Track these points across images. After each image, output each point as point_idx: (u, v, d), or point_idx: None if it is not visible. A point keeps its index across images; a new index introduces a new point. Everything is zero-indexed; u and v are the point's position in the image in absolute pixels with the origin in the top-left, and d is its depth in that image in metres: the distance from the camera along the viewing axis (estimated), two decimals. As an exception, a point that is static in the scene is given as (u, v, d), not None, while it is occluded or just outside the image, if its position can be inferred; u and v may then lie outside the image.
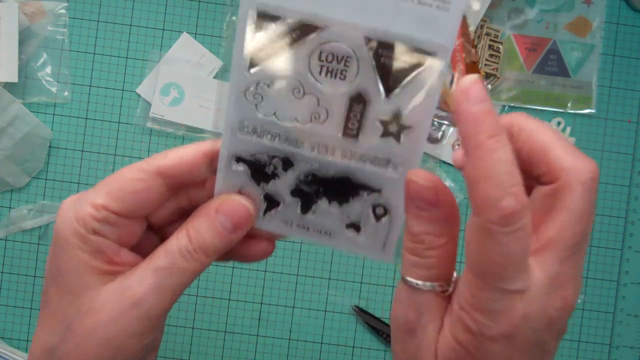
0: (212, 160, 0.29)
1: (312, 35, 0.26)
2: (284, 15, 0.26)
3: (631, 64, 0.68)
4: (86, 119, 0.67)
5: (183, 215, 0.31)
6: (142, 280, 0.28)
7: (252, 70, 0.27)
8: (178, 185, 0.30)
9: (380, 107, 0.27)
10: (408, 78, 0.26)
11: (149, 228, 0.31)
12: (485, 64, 0.67)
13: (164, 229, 0.32)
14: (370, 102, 0.27)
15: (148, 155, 0.66)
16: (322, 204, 0.30)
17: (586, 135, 0.68)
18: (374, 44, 0.26)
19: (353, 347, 0.67)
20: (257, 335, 0.67)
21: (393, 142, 0.27)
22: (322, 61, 0.27)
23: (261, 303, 0.67)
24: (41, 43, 0.67)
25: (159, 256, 0.28)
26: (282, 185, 0.29)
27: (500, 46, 0.67)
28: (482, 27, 0.67)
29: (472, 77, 0.24)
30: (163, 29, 0.67)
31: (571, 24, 0.68)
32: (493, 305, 0.23)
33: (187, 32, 0.67)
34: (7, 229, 0.66)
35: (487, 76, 0.67)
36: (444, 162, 0.67)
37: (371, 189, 0.29)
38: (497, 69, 0.67)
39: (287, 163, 0.29)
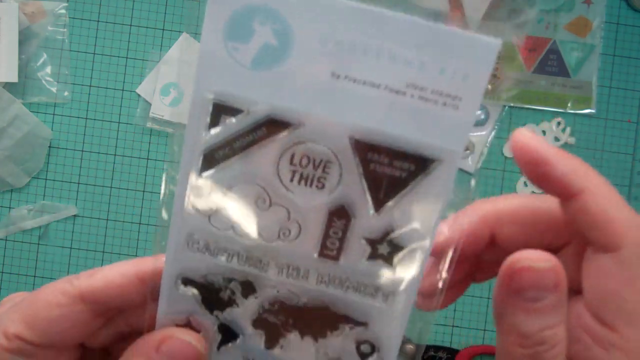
0: (147, 284, 0.24)
1: (283, 134, 0.21)
2: (247, 109, 0.21)
3: (631, 64, 0.68)
4: (86, 119, 0.67)
5: (127, 336, 0.26)
6: None
7: (205, 174, 0.22)
8: (108, 312, 0.25)
9: (367, 223, 0.22)
10: (405, 189, 0.22)
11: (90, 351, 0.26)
12: (485, 64, 0.67)
13: (109, 350, 0.27)
14: (355, 217, 0.22)
15: (148, 155, 0.66)
16: (293, 338, 0.24)
17: (586, 135, 0.68)
18: (361, 147, 0.21)
19: (353, 347, 0.67)
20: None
21: (383, 266, 0.22)
22: (295, 165, 0.22)
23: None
24: (41, 43, 0.67)
25: None
26: (242, 314, 0.24)
27: (500, 46, 0.67)
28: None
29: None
30: (163, 29, 0.67)
31: (571, 24, 0.68)
32: None
33: (187, 32, 0.67)
34: (7, 229, 0.66)
35: (487, 76, 0.67)
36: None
37: (355, 322, 0.23)
38: (497, 69, 0.67)
39: (248, 288, 0.24)
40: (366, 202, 0.22)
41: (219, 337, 0.25)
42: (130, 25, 0.67)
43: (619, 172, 0.68)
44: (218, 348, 0.25)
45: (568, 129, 0.67)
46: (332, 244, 0.23)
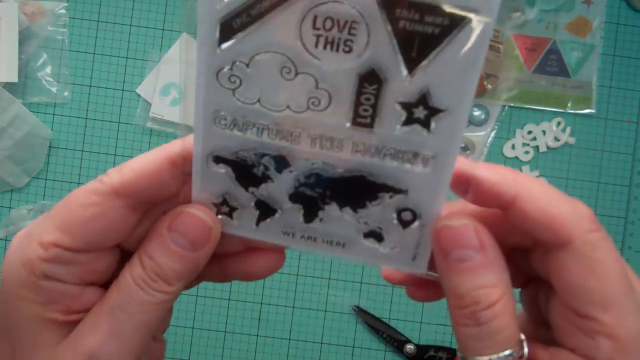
0: (181, 167, 0.24)
1: None
2: None
3: (631, 64, 0.68)
4: (86, 119, 0.67)
5: None
6: (95, 327, 0.23)
7: (224, 46, 0.21)
8: (144, 204, 0.24)
9: (401, 86, 0.21)
10: (439, 47, 0.20)
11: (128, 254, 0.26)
12: (485, 64, 0.67)
13: None
14: (387, 81, 0.21)
15: (148, 155, 0.66)
16: (331, 210, 0.24)
17: (586, 135, 0.68)
18: (389, 2, 0.19)
19: (353, 347, 0.67)
20: (257, 335, 0.67)
21: (421, 130, 0.21)
22: (318, 29, 0.20)
23: (261, 303, 0.67)
24: (41, 43, 0.67)
25: (112, 293, 0.23)
26: (278, 189, 0.24)
27: (500, 46, 0.67)
28: (482, 27, 0.67)
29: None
30: (163, 29, 0.67)
31: (571, 24, 0.68)
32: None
33: (187, 32, 0.67)
34: (7, 229, 0.66)
35: (487, 76, 0.67)
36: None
37: (395, 190, 0.23)
38: (497, 69, 0.67)
39: (282, 162, 0.23)
40: (398, 64, 0.20)
41: (256, 213, 0.24)
42: (130, 25, 0.67)
43: (619, 172, 0.68)
44: (257, 224, 0.24)
45: (568, 129, 0.67)
46: (364, 111, 0.21)
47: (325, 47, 0.21)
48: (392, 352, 0.67)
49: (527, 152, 0.67)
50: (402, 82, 0.21)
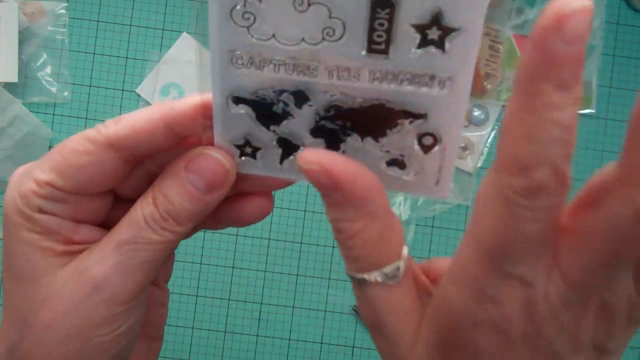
0: (173, 127, 0.24)
1: None
2: None
3: (631, 64, 0.68)
4: (86, 119, 0.67)
5: None
6: (103, 258, 0.24)
7: None
8: (136, 157, 0.25)
9: (413, 8, 0.21)
10: None
11: (122, 199, 0.27)
12: (485, 64, 0.67)
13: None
14: (399, 3, 0.21)
15: (148, 155, 0.66)
16: (353, 141, 0.24)
17: (586, 135, 0.68)
18: None
19: (353, 347, 0.67)
20: (257, 335, 0.67)
21: (436, 52, 0.21)
22: None
23: (261, 303, 0.67)
24: (41, 43, 0.67)
25: (122, 228, 0.24)
26: (299, 124, 0.24)
27: (500, 46, 0.67)
28: (482, 27, 0.67)
29: (581, 3, 0.19)
30: (163, 29, 0.67)
31: (571, 24, 0.68)
32: (489, 288, 0.20)
33: (187, 32, 0.67)
34: (7, 229, 0.67)
35: (487, 76, 0.67)
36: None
37: (414, 115, 0.23)
38: (497, 69, 0.67)
39: (301, 97, 0.23)
40: None
41: (279, 152, 0.25)
42: (130, 25, 0.67)
43: (619, 172, 0.68)
44: (280, 162, 0.25)
45: (568, 129, 0.67)
46: (378, 37, 0.21)
47: None
48: (392, 352, 0.67)
49: (527, 152, 0.67)
50: (413, 3, 0.21)
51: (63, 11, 0.67)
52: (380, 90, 0.22)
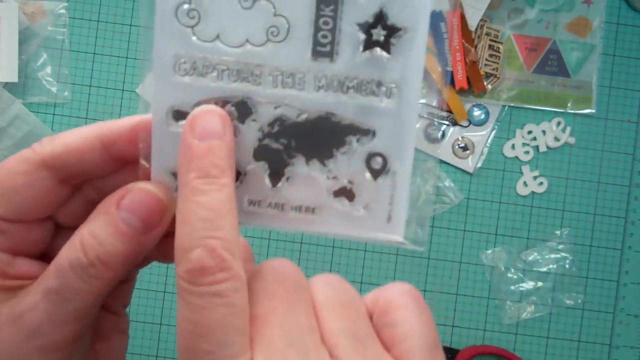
0: (110, 148, 0.23)
1: None
2: None
3: (631, 64, 0.68)
4: (86, 119, 0.67)
5: None
6: (35, 305, 0.21)
7: None
8: (72, 178, 0.23)
9: (357, 4, 0.20)
10: None
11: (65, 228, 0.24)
12: (485, 64, 0.67)
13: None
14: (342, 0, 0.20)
15: (148, 155, 0.66)
16: (298, 164, 0.22)
17: (586, 135, 0.68)
18: None
19: (353, 347, 0.67)
20: (257, 335, 0.67)
21: (381, 54, 0.21)
22: None
23: (261, 303, 0.67)
24: (41, 43, 0.67)
25: (50, 273, 0.22)
26: (242, 145, 0.22)
27: (500, 46, 0.67)
28: (482, 27, 0.67)
29: (207, 108, 0.21)
30: (163, 29, 0.67)
31: (571, 24, 0.68)
32: None
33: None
34: (7, 229, 0.67)
35: (487, 76, 0.67)
36: (444, 162, 0.67)
37: (361, 131, 0.21)
38: (497, 69, 0.67)
39: (244, 109, 0.21)
40: None
41: None
42: (130, 25, 0.67)
43: (619, 172, 0.68)
44: None
45: (568, 129, 0.67)
46: (324, 38, 0.21)
47: None
48: (392, 352, 0.67)
49: (527, 152, 0.67)
50: (358, 0, 0.20)
51: (63, 11, 0.67)
52: (327, 101, 0.21)
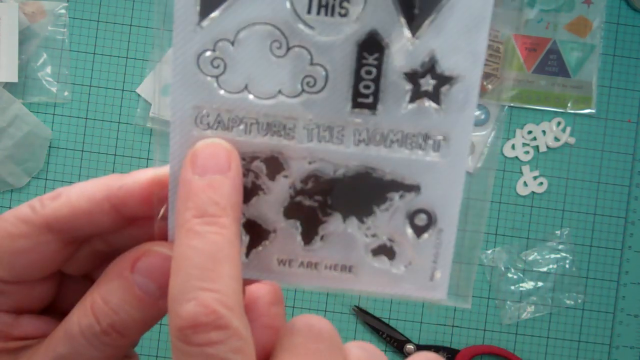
0: (120, 209, 0.21)
1: None
2: None
3: (631, 64, 0.68)
4: (86, 119, 0.67)
5: (110, 258, 0.22)
6: None
7: (205, 22, 0.18)
8: (80, 239, 0.21)
9: (404, 53, 0.18)
10: (442, 1, 0.18)
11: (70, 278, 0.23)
12: (485, 64, 0.67)
13: (91, 276, 0.24)
14: (389, 47, 0.18)
15: (148, 156, 0.66)
16: (334, 222, 0.20)
17: (586, 135, 0.68)
18: None
19: (353, 347, 0.67)
20: (257, 335, 0.67)
21: (429, 106, 0.19)
22: None
23: (261, 303, 0.67)
24: (41, 43, 0.67)
25: (58, 340, 0.20)
26: (271, 202, 0.20)
27: (500, 46, 0.67)
28: (482, 27, 0.67)
29: (211, 141, 0.19)
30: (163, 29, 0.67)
31: (571, 24, 0.68)
32: None
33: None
34: (7, 229, 0.66)
35: (487, 76, 0.67)
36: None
37: (405, 187, 0.19)
38: (497, 69, 0.67)
39: (275, 165, 0.19)
40: (399, 24, 0.18)
41: (246, 239, 0.20)
42: (130, 25, 0.67)
43: (618, 172, 0.68)
44: (247, 254, 0.20)
45: (568, 129, 0.67)
46: (366, 89, 0.19)
47: (319, 12, 0.18)
48: (392, 352, 0.67)
49: (527, 152, 0.67)
50: (405, 46, 0.18)
51: (63, 11, 0.67)
52: (367, 156, 0.19)
